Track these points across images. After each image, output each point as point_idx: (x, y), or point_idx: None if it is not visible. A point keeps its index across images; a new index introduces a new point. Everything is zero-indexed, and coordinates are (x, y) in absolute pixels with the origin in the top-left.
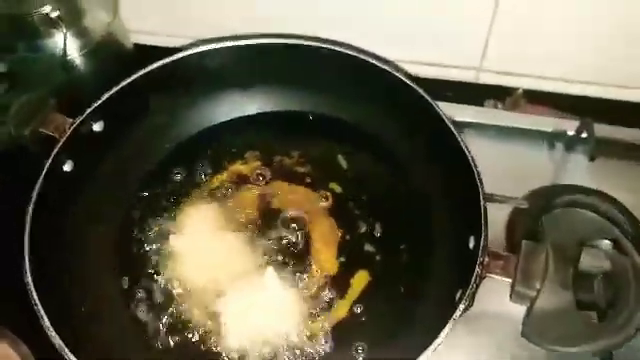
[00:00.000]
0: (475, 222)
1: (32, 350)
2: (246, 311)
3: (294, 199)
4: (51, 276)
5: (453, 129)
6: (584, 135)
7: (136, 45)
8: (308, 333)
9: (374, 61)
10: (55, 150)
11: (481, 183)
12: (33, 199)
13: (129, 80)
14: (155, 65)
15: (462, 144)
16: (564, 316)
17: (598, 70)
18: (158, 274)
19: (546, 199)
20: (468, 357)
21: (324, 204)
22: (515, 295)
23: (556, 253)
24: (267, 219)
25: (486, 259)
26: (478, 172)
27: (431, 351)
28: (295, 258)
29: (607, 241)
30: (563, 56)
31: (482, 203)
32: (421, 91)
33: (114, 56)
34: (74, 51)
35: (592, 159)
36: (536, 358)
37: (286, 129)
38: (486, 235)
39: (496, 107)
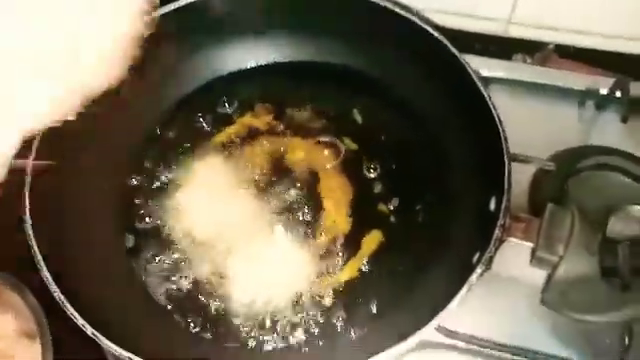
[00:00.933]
0: (498, 182)
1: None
2: (255, 269)
3: (306, 155)
4: (53, 234)
5: (479, 83)
6: (618, 94)
7: None
8: (317, 292)
9: (394, 7)
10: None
11: (506, 141)
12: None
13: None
14: (159, 12)
15: (487, 99)
16: (587, 283)
17: (634, 25)
18: (164, 230)
19: (573, 161)
20: (483, 320)
21: (337, 160)
22: (536, 260)
23: (582, 218)
24: (277, 175)
25: (507, 221)
26: (503, 130)
27: (445, 314)
28: (305, 216)
29: (638, 207)
30: (598, 9)
31: (506, 162)
32: (446, 41)
33: None
34: None
35: (625, 120)
36: (556, 324)
37: (300, 80)
38: (509, 197)
39: (525, 62)
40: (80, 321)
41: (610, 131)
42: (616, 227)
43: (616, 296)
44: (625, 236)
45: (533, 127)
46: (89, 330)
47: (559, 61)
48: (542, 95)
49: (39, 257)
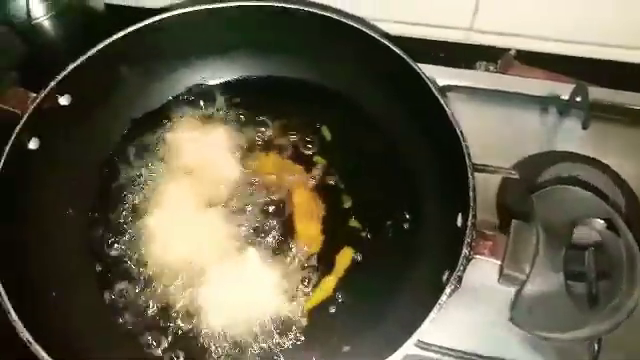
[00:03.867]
0: (463, 198)
1: None
2: (226, 291)
3: (275, 172)
4: (18, 263)
5: (438, 95)
6: (578, 99)
7: (108, 5)
8: (291, 313)
9: (347, 20)
10: (17, 128)
11: (469, 157)
12: None
13: (97, 48)
14: (126, 31)
15: (448, 112)
16: (554, 301)
17: (594, 30)
18: (134, 255)
19: (538, 168)
20: (456, 332)
21: (307, 177)
22: (504, 278)
23: (547, 235)
24: (246, 193)
25: (474, 238)
26: (466, 145)
27: (416, 337)
28: (277, 234)
29: (600, 220)
30: (558, 15)
31: (470, 180)
32: (400, 52)
33: (84, 19)
34: (40, 13)
35: (585, 127)
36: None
37: (266, 97)
38: (474, 213)
39: (487, 69)
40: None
41: (573, 136)
42: (580, 236)
43: (582, 313)
44: (589, 244)
45: (497, 135)
46: None
47: (520, 67)
48: (505, 102)
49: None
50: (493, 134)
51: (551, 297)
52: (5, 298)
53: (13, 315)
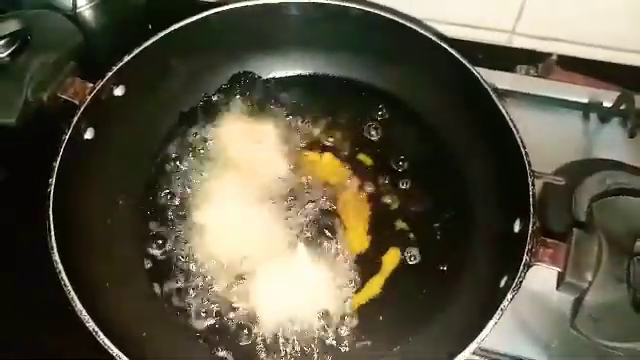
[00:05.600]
0: (522, 203)
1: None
2: (277, 287)
3: (322, 170)
4: (75, 251)
5: (496, 99)
6: (622, 107)
7: None
8: (340, 311)
9: (411, 25)
10: (76, 117)
11: (529, 164)
12: (55, 171)
13: (151, 41)
14: (178, 25)
15: (507, 118)
16: (616, 310)
17: (636, 37)
18: (182, 249)
19: (581, 175)
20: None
21: (354, 177)
22: (565, 286)
23: (610, 244)
24: (294, 192)
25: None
26: (526, 152)
27: (477, 343)
28: (325, 233)
29: None
30: (601, 21)
31: (531, 186)
32: (458, 55)
33: (126, 8)
34: (84, 2)
35: (632, 135)
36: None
37: (315, 94)
38: (535, 221)
39: (528, 73)
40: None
41: (614, 144)
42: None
43: None
44: None
45: (536, 139)
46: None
47: (561, 72)
48: (545, 107)
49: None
50: (532, 139)
51: (615, 306)
52: (70, 288)
53: (78, 305)
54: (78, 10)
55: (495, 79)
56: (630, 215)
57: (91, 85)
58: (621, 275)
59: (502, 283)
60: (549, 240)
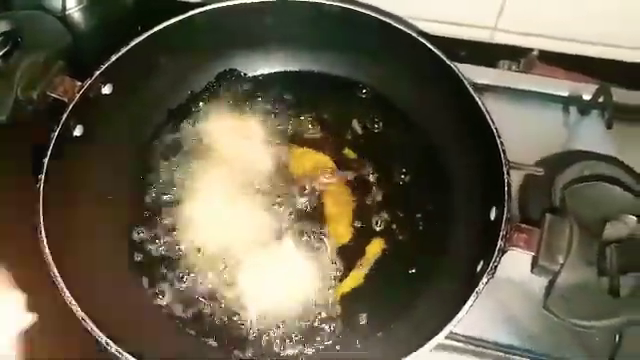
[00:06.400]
0: (497, 192)
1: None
2: (263, 278)
3: (307, 164)
4: (64, 245)
5: (475, 95)
6: (601, 100)
7: None
8: (324, 300)
9: (383, 17)
10: (65, 114)
11: (504, 153)
12: (44, 168)
13: (138, 40)
14: (164, 24)
15: (484, 111)
16: (586, 291)
17: (617, 31)
18: (172, 242)
19: (560, 166)
20: (478, 323)
21: (338, 170)
22: (538, 269)
23: (580, 228)
24: (280, 185)
25: (509, 232)
26: (502, 142)
27: (453, 325)
28: (309, 226)
29: (632, 216)
30: (581, 16)
31: (505, 175)
32: (437, 51)
33: (114, 10)
34: (73, 4)
35: (609, 127)
36: (549, 325)
37: (299, 90)
38: (509, 207)
39: (510, 69)
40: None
41: (593, 136)
42: (610, 235)
43: (613, 303)
44: (614, 239)
45: (518, 133)
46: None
47: (543, 67)
48: (527, 101)
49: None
50: (515, 132)
51: (584, 288)
52: (60, 279)
53: (68, 296)
54: (67, 12)
55: (478, 75)
56: (601, 201)
57: (80, 84)
58: (591, 258)
59: (478, 268)
60: (523, 225)
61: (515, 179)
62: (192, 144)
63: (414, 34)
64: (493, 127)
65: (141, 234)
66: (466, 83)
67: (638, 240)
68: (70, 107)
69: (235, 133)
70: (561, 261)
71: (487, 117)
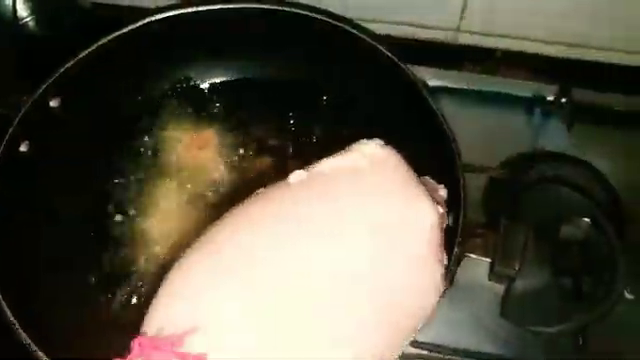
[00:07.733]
0: (453, 198)
1: None
2: None
3: (263, 172)
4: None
5: (427, 95)
6: (563, 100)
7: (95, 4)
8: None
9: (334, 21)
10: (9, 132)
11: (459, 157)
12: None
13: (88, 51)
14: (115, 33)
15: (438, 113)
16: (542, 296)
17: (579, 32)
18: (127, 255)
19: (523, 167)
20: (445, 331)
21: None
22: (494, 275)
23: (535, 232)
24: (236, 195)
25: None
26: (457, 146)
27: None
28: None
29: (585, 219)
30: (544, 17)
31: (461, 181)
32: (388, 52)
33: (71, 18)
34: (26, 14)
35: (570, 126)
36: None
37: (254, 98)
38: (465, 213)
39: (474, 70)
40: None
41: (557, 137)
42: (566, 233)
43: (566, 307)
44: (575, 240)
45: (481, 135)
46: None
47: (506, 68)
48: (489, 103)
49: None
50: (477, 134)
51: (540, 292)
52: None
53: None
54: (21, 22)
55: (440, 77)
56: (557, 203)
57: (24, 98)
58: (546, 262)
59: None
60: (479, 230)
61: (480, 183)
62: (148, 155)
63: (366, 37)
64: (447, 129)
65: (97, 249)
66: (420, 85)
67: (592, 243)
68: (15, 123)
69: (190, 143)
70: (516, 266)
71: (440, 119)
